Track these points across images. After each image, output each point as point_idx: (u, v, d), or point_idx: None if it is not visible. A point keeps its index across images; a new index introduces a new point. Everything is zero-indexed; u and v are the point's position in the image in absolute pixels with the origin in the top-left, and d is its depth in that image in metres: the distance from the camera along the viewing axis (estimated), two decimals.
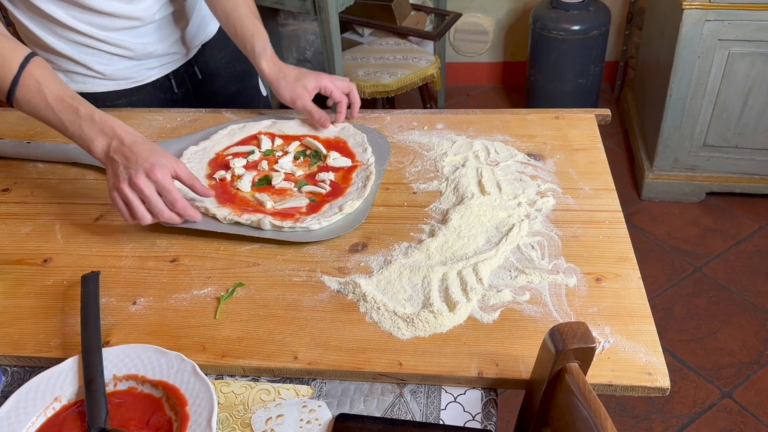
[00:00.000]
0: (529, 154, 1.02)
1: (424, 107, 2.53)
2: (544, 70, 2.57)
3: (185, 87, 1.24)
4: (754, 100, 2.02)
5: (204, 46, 1.24)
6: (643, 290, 0.78)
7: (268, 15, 2.80)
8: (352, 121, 1.11)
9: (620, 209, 0.90)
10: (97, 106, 1.17)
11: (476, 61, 3.10)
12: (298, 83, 1.06)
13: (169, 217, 0.84)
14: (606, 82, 3.02)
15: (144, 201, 0.82)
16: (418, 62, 2.36)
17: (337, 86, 1.09)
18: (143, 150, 0.82)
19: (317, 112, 1.08)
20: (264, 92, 1.41)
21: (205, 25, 1.24)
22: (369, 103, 2.52)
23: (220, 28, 1.27)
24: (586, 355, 0.62)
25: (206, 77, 1.26)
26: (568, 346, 0.60)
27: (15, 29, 1.12)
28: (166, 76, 1.20)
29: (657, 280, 1.98)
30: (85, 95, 1.17)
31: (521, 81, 3.00)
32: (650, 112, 2.33)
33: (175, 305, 0.79)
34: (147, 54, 1.14)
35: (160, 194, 0.82)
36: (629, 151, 2.54)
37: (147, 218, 0.83)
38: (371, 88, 2.26)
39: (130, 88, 1.18)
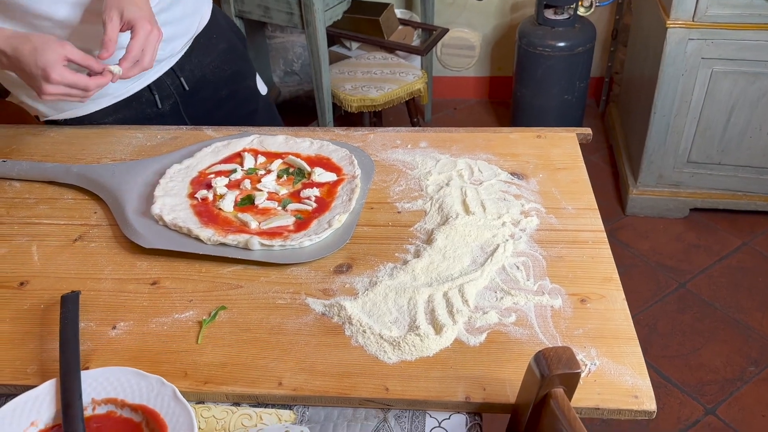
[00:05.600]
0: (513, 173, 1.02)
1: (411, 121, 2.53)
2: (530, 86, 2.59)
3: (172, 99, 1.21)
4: (737, 118, 2.04)
5: (188, 52, 1.20)
6: (628, 312, 0.78)
7: (256, 27, 2.80)
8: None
9: (603, 229, 0.90)
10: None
11: (463, 75, 3.12)
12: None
13: (94, 89, 0.95)
14: (591, 98, 3.05)
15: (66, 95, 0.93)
16: (404, 77, 2.37)
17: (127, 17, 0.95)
18: (28, 57, 0.90)
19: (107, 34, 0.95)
20: (263, 91, 1.37)
21: (187, 26, 1.18)
22: (356, 117, 2.52)
23: (204, 29, 1.22)
24: (571, 381, 0.62)
25: (193, 87, 1.23)
26: (553, 372, 0.60)
27: None
28: (148, 89, 1.17)
29: (641, 296, 1.99)
30: (74, 120, 1.17)
31: (508, 95, 3.02)
32: (635, 128, 2.35)
33: (156, 330, 0.78)
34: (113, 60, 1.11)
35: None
36: (614, 166, 2.56)
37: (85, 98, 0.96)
38: (358, 102, 2.26)
39: (112, 105, 1.17)
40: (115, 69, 0.96)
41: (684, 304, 1.95)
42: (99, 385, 0.70)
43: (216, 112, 1.27)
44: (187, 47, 1.20)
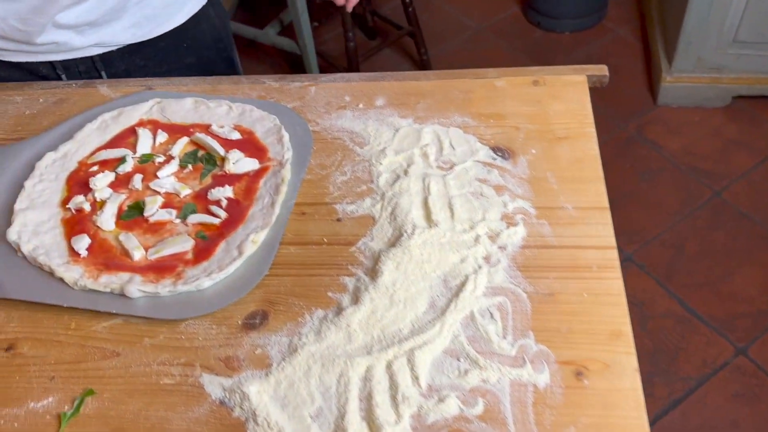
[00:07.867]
0: (495, 149, 0.75)
1: (405, 11, 2.12)
2: None
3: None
4: None
5: (129, 50, 0.93)
6: (640, 391, 0.56)
7: None
8: None
9: (614, 244, 0.65)
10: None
11: None
12: None
13: None
14: None
15: None
16: None
17: None
18: None
19: None
20: None
21: (140, 17, 0.90)
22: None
23: (172, 32, 0.93)
24: None
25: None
26: None
27: None
28: (50, 64, 0.93)
29: (669, 208, 1.74)
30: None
31: None
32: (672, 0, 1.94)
33: (3, 428, 0.59)
34: None
35: None
36: (645, 41, 2.18)
37: None
38: None
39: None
40: None
41: (717, 218, 1.70)
42: None
43: None
44: (128, 43, 0.92)
